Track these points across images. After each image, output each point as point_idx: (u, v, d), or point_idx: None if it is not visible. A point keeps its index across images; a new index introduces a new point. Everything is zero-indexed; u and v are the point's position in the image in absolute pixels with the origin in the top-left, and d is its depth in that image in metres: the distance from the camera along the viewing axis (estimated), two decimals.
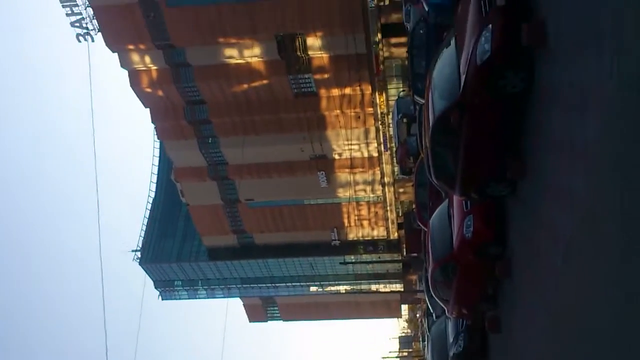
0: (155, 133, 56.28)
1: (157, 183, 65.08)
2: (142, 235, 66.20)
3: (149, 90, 51.47)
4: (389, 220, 55.70)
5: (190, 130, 53.15)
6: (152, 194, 66.05)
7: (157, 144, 61.34)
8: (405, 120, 32.03)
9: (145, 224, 66.23)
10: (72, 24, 48.18)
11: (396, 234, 55.76)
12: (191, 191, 57.37)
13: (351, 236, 59.20)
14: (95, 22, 47.75)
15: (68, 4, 47.32)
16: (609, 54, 6.39)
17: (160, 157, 63.01)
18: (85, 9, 47.40)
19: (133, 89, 51.31)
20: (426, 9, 19.14)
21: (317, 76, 48.56)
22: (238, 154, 52.18)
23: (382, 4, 44.04)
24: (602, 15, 6.55)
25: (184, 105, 51.92)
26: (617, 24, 6.10)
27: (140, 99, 52.20)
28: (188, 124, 52.77)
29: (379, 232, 58.46)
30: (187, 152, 54.16)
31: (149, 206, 66.33)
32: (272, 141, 52.01)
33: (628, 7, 5.87)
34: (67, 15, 47.78)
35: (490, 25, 9.34)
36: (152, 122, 54.28)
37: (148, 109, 53.08)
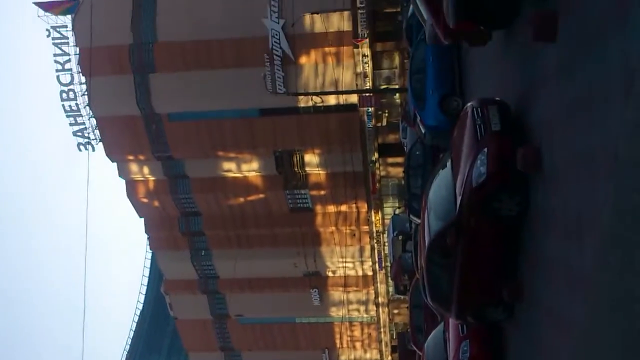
0: (148, 243, 55.98)
1: (145, 296, 63.83)
2: (127, 350, 64.27)
3: (145, 200, 51.73)
4: (383, 343, 54.19)
5: (184, 242, 52.88)
6: (140, 307, 64.59)
7: (149, 255, 60.78)
8: (400, 237, 32.00)
9: (131, 337, 64.39)
10: (75, 134, 49.11)
11: (390, 358, 54.09)
12: (180, 304, 56.18)
13: (343, 358, 57.39)
14: (97, 132, 48.70)
15: (72, 114, 48.48)
16: (604, 180, 6.39)
17: (150, 269, 62.21)
18: (89, 119, 48.48)
19: (129, 198, 51.56)
20: (423, 130, 19.58)
21: (314, 192, 48.97)
22: (230, 268, 51.57)
23: (379, 124, 45.29)
24: (595, 143, 6.62)
25: (179, 217, 51.98)
26: (610, 153, 6.13)
27: (135, 209, 52.35)
28: (182, 235, 52.60)
29: (372, 355, 56.70)
30: (179, 263, 53.55)
31: (136, 318, 64.71)
32: (266, 255, 51.61)
33: (620, 139, 5.93)
34: (70, 124, 48.82)
35: (485, 149, 9.47)
36: (145, 232, 54.14)
37: (142, 219, 53.11)
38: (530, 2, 9.16)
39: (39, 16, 45.73)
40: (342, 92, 41.88)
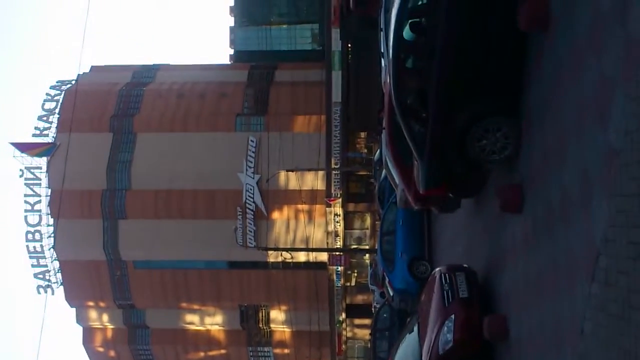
0: None
1: None
2: None
3: (101, 349, 49.55)
4: None
5: None
6: None
7: None
8: None
9: None
10: (36, 276, 47.82)
11: None
12: None
13: None
14: (59, 275, 47.48)
15: (35, 255, 47.51)
16: (570, 355, 6.22)
17: None
18: (52, 262, 47.44)
19: (85, 346, 49.34)
20: (391, 293, 19.40)
21: (277, 350, 47.47)
22: None
23: (348, 284, 44.98)
24: (561, 316, 6.53)
25: None
26: (576, 327, 6.02)
27: (90, 358, 49.93)
28: None
29: None
30: None
31: None
32: None
33: (585, 313, 5.85)
34: (33, 266, 47.65)
35: (453, 316, 9.31)
36: None
37: None
38: (498, 174, 9.47)
39: (14, 156, 46.11)
40: (313, 250, 41.95)
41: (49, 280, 47.82)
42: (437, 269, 11.09)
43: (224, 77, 49.55)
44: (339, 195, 43.06)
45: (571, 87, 6.53)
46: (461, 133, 8.33)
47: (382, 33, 15.48)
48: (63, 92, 47.29)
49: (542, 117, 7.51)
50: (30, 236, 47.36)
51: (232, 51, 53.63)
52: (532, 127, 7.92)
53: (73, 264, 46.49)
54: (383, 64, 15.33)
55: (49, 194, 45.92)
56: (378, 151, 30.65)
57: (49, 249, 47.17)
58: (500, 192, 8.43)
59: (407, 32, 8.75)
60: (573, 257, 6.32)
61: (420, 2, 8.68)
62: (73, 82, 47.68)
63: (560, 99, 6.85)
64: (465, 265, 10.90)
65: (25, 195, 47.09)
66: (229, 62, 54.40)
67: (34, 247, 47.53)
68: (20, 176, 46.85)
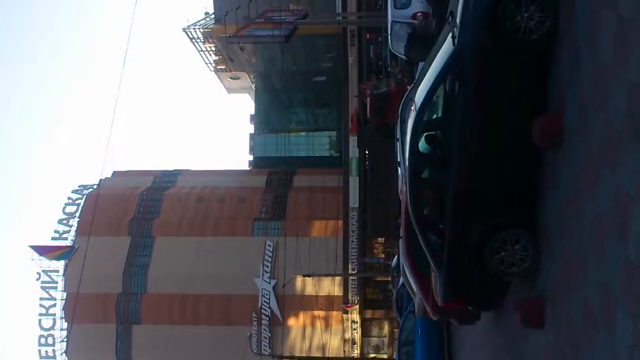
0: None
1: None
2: None
3: None
4: None
5: None
6: None
7: None
8: None
9: None
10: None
11: None
12: None
13: None
14: None
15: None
16: None
17: None
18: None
19: None
20: None
21: None
22: None
23: None
24: None
25: None
26: None
27: None
28: None
29: None
30: None
31: None
32: None
33: None
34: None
35: None
36: None
37: None
38: (518, 287, 9.30)
39: (32, 259, 46.33)
40: (329, 359, 40.83)
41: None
42: None
43: (243, 182, 50.32)
44: (356, 302, 42.36)
45: (588, 201, 6.52)
46: (479, 245, 8.26)
47: (398, 143, 15.78)
48: (84, 196, 48.11)
49: (561, 230, 7.45)
50: (42, 340, 46.81)
51: (251, 157, 54.75)
52: (552, 240, 7.84)
53: None
54: (400, 173, 15.52)
55: (65, 297, 45.72)
56: (395, 257, 30.41)
57: (61, 354, 46.38)
58: (520, 306, 8.25)
59: (422, 145, 8.88)
60: None
61: (435, 116, 8.86)
62: (95, 186, 48.62)
63: (579, 212, 6.82)
64: None
65: (41, 299, 46.97)
66: (248, 168, 55.39)
67: (46, 352, 46.83)
68: (37, 279, 46.93)
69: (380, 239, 45.75)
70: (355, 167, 42.49)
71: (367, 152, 42.27)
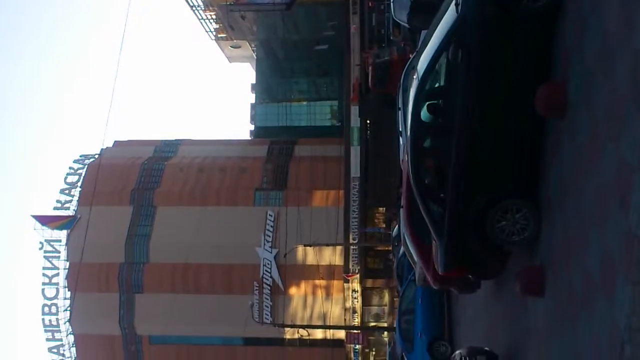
0: None
1: None
2: None
3: None
4: None
5: None
6: None
7: None
8: None
9: None
10: (50, 350, 47.33)
11: None
12: None
13: None
14: (73, 350, 46.96)
15: (51, 329, 47.20)
16: None
17: None
18: (67, 336, 47.03)
19: None
20: None
21: None
22: None
23: None
24: None
25: None
26: None
27: None
28: None
29: None
30: None
31: None
32: None
33: None
34: (47, 340, 47.26)
35: None
36: None
37: None
38: (518, 256, 9.33)
39: (34, 229, 46.50)
40: (330, 327, 41.22)
41: (63, 355, 47.31)
42: (458, 352, 10.81)
43: (244, 152, 50.25)
44: (357, 271, 42.62)
45: (591, 172, 6.50)
46: (480, 214, 8.27)
47: (400, 112, 15.68)
48: (86, 166, 48.11)
49: (563, 200, 7.45)
50: (46, 309, 47.22)
51: (252, 127, 54.59)
52: (553, 210, 7.84)
53: (88, 338, 46.05)
54: (401, 142, 15.45)
55: (67, 267, 46.01)
56: (396, 227, 30.47)
57: (65, 323, 46.86)
58: (521, 274, 8.28)
59: (424, 114, 8.83)
60: (597, 345, 6.13)
61: (437, 85, 8.80)
62: (96, 156, 48.59)
63: (581, 183, 6.81)
64: (486, 348, 10.61)
65: (44, 268, 47.23)
66: (250, 138, 55.27)
67: (50, 321, 47.30)
68: (40, 249, 47.15)
69: (381, 208, 45.84)
70: (357, 137, 42.38)
71: (368, 121, 42.12)
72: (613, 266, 5.82)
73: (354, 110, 41.81)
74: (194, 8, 53.55)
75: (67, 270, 46.26)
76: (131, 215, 46.08)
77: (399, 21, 21.35)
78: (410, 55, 22.33)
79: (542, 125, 7.94)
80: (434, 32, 8.72)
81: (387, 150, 33.01)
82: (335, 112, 51.39)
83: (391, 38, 34.49)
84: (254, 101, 54.65)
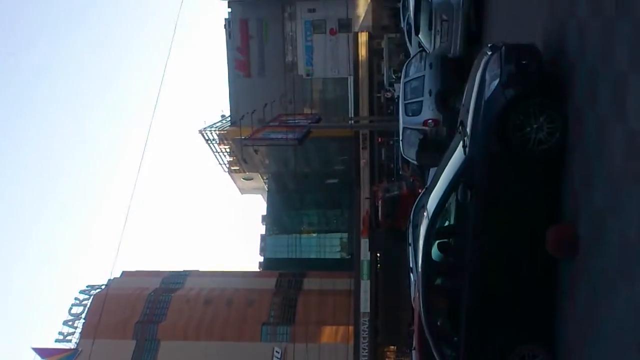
0: None
1: None
2: None
3: None
4: None
5: None
6: None
7: None
8: None
9: None
10: None
11: None
12: None
13: None
14: None
15: None
16: None
17: None
18: None
19: None
20: None
21: None
22: None
23: None
24: None
25: None
26: None
27: None
28: None
29: None
30: None
31: None
32: None
33: None
34: None
35: None
36: None
37: None
38: None
39: None
40: None
41: None
42: None
43: (252, 284, 49.74)
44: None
45: (607, 316, 6.28)
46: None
47: (410, 248, 15.60)
48: (92, 297, 47.58)
49: (580, 344, 7.15)
50: None
51: (262, 258, 54.41)
52: (572, 355, 7.51)
53: None
54: (412, 279, 15.24)
55: None
56: None
57: None
58: None
59: (435, 252, 8.73)
60: None
61: (447, 224, 8.77)
62: (103, 286, 48.18)
63: (596, 327, 6.56)
64: None
65: None
66: (259, 270, 54.92)
67: None
68: None
69: (392, 347, 44.41)
70: (367, 271, 41.94)
71: (378, 255, 41.86)
72: None
73: (364, 243, 41.72)
74: (209, 141, 55.10)
75: None
76: (134, 350, 44.87)
77: (408, 158, 21.82)
78: (420, 190, 22.63)
79: (555, 266, 7.79)
80: (442, 172, 8.81)
81: (397, 285, 32.57)
82: (345, 245, 51.31)
83: (400, 173, 35.13)
84: (264, 232, 54.85)
